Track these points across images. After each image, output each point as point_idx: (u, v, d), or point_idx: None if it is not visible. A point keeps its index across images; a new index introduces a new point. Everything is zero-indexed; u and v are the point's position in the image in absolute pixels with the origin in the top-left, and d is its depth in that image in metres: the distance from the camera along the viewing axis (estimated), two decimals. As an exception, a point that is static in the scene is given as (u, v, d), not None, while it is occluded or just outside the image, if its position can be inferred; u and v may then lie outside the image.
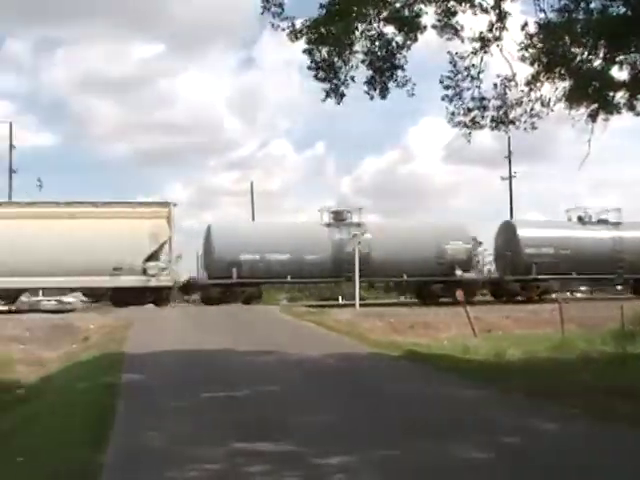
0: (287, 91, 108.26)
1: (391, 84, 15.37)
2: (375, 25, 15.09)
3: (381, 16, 15.04)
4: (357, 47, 15.12)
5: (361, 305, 34.00)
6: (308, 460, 7.62)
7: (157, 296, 36.10)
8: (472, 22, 15.37)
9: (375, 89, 15.41)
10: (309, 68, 15.27)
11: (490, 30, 15.26)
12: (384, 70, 15.28)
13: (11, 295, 38.60)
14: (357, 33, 14.99)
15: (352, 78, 15.24)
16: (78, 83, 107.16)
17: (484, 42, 15.36)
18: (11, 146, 56.60)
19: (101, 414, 10.10)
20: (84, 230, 34.95)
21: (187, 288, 39.54)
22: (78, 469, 7.39)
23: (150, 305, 36.02)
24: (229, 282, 36.54)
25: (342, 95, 15.35)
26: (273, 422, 9.62)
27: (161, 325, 25.20)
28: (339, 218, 39.10)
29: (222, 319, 27.30)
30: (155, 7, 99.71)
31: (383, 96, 15.48)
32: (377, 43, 15.17)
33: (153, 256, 36.32)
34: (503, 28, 15.27)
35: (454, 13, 15.19)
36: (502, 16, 15.21)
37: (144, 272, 35.85)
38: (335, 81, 15.15)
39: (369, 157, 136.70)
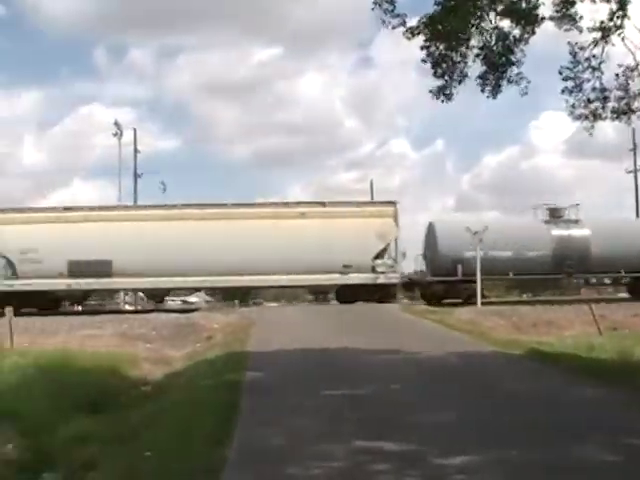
0: (404, 89, 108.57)
1: (504, 82, 15.17)
2: (491, 19, 14.91)
3: (497, 9, 14.85)
4: (473, 42, 14.99)
5: (483, 304, 33.57)
6: (429, 460, 7.58)
7: (384, 293, 36.49)
8: (591, 11, 15.04)
9: (488, 85, 15.23)
10: (423, 61, 15.23)
11: (611, 19, 14.85)
12: (499, 65, 15.07)
13: (237, 294, 39.82)
14: (473, 28, 14.84)
15: (465, 74, 15.11)
16: (199, 88, 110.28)
17: (605, 32, 14.95)
18: (136, 151, 58.68)
19: (225, 411, 10.29)
20: (314, 229, 35.91)
21: (409, 285, 39.69)
22: (202, 464, 7.59)
23: (274, 304, 36.56)
24: (453, 279, 36.61)
25: (449, 95, 15.26)
26: (394, 420, 9.61)
27: (283, 324, 25.48)
28: (556, 215, 39.04)
29: (342, 317, 27.40)
30: (272, 11, 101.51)
31: (495, 94, 15.29)
32: (493, 37, 15.00)
33: (380, 254, 36.88)
34: (625, 16, 14.82)
35: (572, 3, 14.87)
36: (623, 4, 14.77)
37: (373, 270, 36.46)
38: (450, 75, 15.04)
39: (489, 153, 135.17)
